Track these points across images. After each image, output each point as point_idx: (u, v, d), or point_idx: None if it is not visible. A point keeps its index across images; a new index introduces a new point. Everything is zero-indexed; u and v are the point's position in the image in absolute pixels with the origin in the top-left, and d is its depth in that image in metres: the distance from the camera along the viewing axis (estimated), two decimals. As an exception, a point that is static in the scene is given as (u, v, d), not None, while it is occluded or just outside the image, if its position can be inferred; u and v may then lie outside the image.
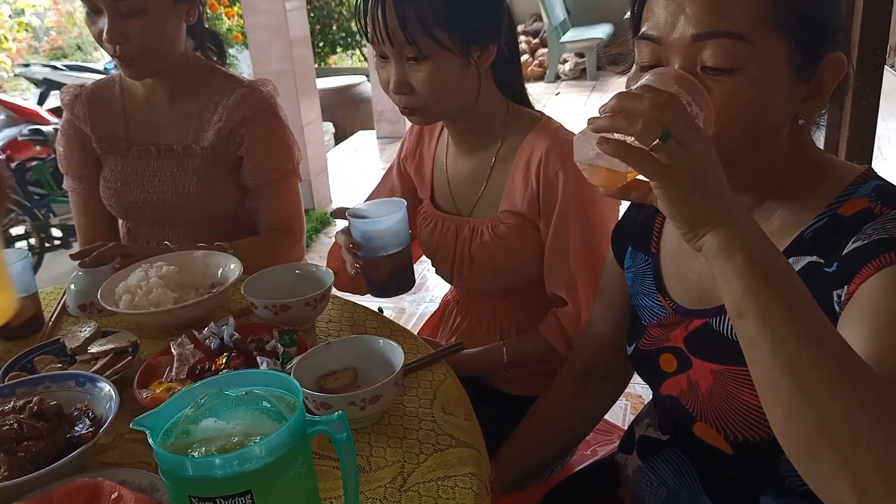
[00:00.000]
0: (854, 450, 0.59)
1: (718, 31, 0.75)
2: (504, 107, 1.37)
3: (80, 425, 0.95)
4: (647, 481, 1.03)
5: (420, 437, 0.95)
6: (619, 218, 1.16)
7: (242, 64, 6.65)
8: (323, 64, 9.10)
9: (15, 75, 9.61)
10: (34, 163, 4.96)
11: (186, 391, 0.77)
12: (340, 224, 1.32)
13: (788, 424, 0.63)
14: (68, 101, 1.72)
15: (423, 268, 4.12)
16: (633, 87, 0.71)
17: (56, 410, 0.95)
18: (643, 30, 0.81)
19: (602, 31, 8.36)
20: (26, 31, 10.07)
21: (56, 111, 6.11)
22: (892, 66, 2.46)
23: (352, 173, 5.85)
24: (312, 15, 8.21)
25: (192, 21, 1.62)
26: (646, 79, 0.76)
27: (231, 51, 6.04)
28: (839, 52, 0.79)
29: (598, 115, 0.70)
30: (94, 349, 1.16)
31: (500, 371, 1.42)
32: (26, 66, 7.76)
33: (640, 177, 0.71)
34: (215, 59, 1.76)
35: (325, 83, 6.64)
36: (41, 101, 6.50)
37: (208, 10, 5.85)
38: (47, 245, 4.81)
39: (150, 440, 0.70)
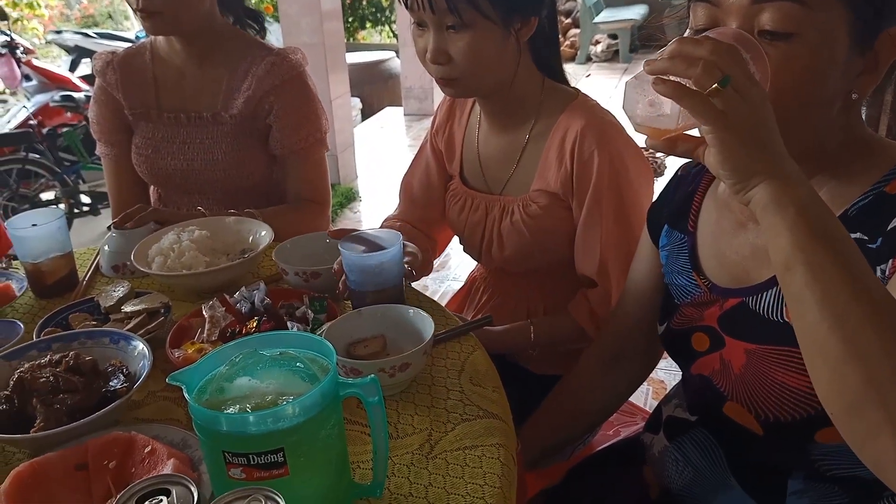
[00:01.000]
0: None
1: None
2: (540, 83, 1.35)
3: (115, 381, 0.96)
4: (673, 461, 1.03)
5: (448, 407, 0.96)
6: (655, 198, 1.15)
7: (272, 36, 6.66)
8: (352, 39, 9.08)
9: (47, 42, 9.70)
10: (65, 129, 5.00)
11: (221, 350, 0.78)
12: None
13: (834, 380, 0.63)
14: (100, 67, 1.73)
15: (448, 246, 4.12)
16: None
17: (91, 365, 0.97)
18: None
19: (636, 11, 8.25)
20: (59, -2, 10.16)
21: (87, 78, 6.17)
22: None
23: (378, 149, 5.86)
24: (343, -11, 8.18)
25: None
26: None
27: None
28: None
29: (656, 58, 0.69)
30: (127, 308, 1.18)
31: (526, 350, 1.42)
32: (58, 33, 7.83)
33: (690, 132, 0.71)
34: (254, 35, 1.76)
35: (353, 58, 6.62)
36: (72, 68, 6.56)
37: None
38: (76, 211, 4.87)
39: (185, 395, 0.71)
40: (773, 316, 0.85)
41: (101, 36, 7.59)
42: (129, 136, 1.73)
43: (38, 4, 9.20)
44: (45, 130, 4.96)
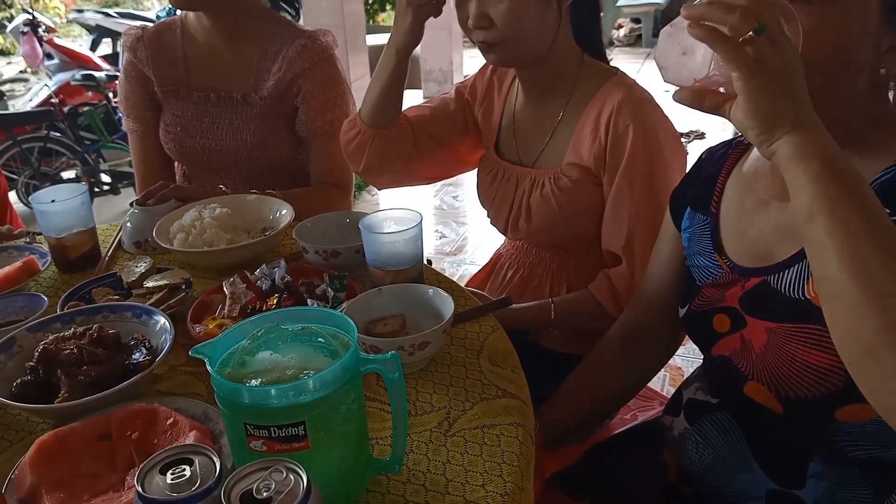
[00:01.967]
0: None
1: None
2: (578, 57, 1.35)
3: (137, 354, 0.97)
4: (693, 443, 1.02)
5: (466, 386, 0.96)
6: (679, 182, 1.14)
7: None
8: (372, 21, 9.05)
9: (68, 21, 9.75)
10: (86, 108, 5.03)
11: (244, 324, 0.78)
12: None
13: (851, 325, 0.64)
14: (130, 43, 1.73)
15: (465, 229, 4.12)
16: None
17: (114, 338, 0.98)
18: None
19: (660, -4, 8.17)
20: (81, -23, 10.20)
21: (108, 58, 6.21)
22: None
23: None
24: (363, -30, 8.14)
25: None
26: None
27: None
28: None
29: (695, 3, 0.70)
30: (149, 284, 1.19)
31: (546, 328, 1.42)
32: (80, 12, 7.87)
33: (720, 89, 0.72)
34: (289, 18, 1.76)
35: (373, 40, 6.59)
36: (93, 48, 6.61)
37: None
38: (97, 190, 4.91)
39: (208, 367, 0.71)
40: (794, 293, 0.85)
41: (122, 16, 7.62)
42: (157, 113, 1.74)
43: (60, -16, 9.25)
44: (66, 109, 4.99)
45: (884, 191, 0.78)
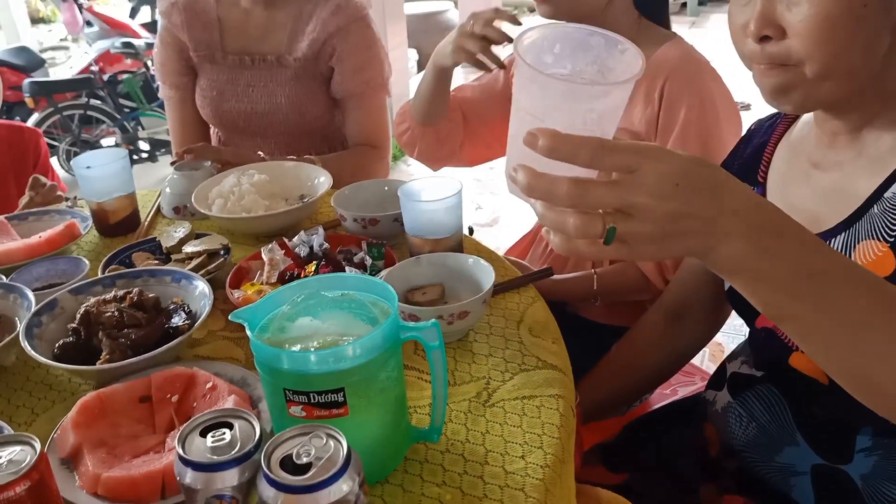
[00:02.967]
0: None
1: None
2: (635, 20, 1.31)
3: (177, 318, 0.97)
4: (736, 417, 1.00)
5: (506, 357, 0.94)
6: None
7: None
8: (409, -10, 8.95)
9: (108, -11, 9.80)
10: (125, 76, 5.07)
11: (284, 289, 0.77)
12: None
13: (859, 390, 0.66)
14: (165, 8, 1.73)
15: (500, 200, 4.09)
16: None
17: (154, 302, 0.98)
18: None
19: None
20: (120, -55, 10.22)
21: (147, 26, 6.23)
22: None
23: (432, 102, 5.81)
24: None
25: None
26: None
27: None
28: None
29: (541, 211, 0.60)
30: (187, 249, 1.19)
31: (588, 300, 1.40)
32: (119, -20, 7.91)
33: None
34: None
35: (410, 8, 6.53)
36: (133, 15, 6.64)
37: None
38: (135, 157, 4.97)
39: (248, 332, 0.71)
40: None
41: (161, -17, 7.64)
42: (192, 78, 1.74)
43: (100, -49, 9.29)
44: (105, 76, 5.04)
45: None
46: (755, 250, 0.58)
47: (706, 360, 2.38)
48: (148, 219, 1.41)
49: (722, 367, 1.08)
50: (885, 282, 0.63)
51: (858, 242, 0.80)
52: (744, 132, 1.10)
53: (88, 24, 5.87)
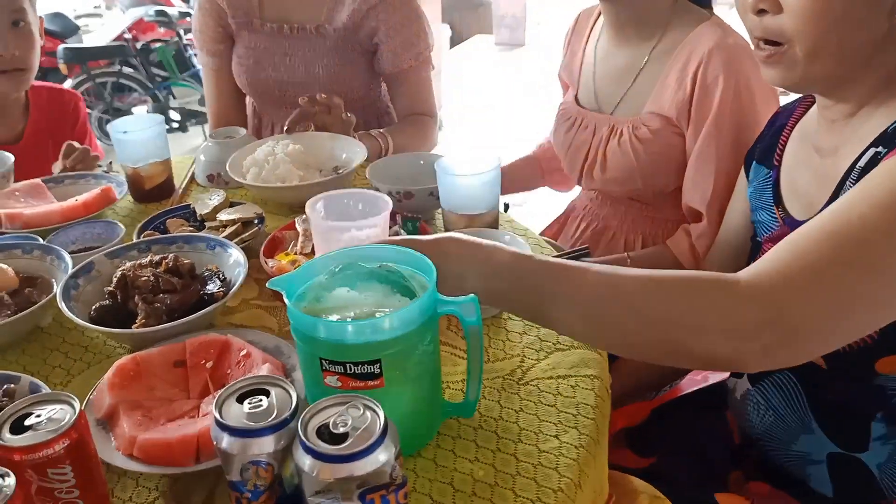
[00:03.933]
0: None
1: None
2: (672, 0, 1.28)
3: (211, 284, 0.97)
4: (754, 405, 1.00)
5: (541, 336, 0.93)
6: None
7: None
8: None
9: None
10: (158, 44, 5.09)
11: (321, 258, 0.77)
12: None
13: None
14: None
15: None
16: None
17: (189, 268, 0.99)
18: None
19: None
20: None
21: (181, -5, 6.23)
22: None
23: (464, 78, 5.75)
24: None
25: None
26: None
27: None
28: None
29: None
30: (222, 217, 1.19)
31: None
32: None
33: None
34: None
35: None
36: (167, -16, 6.64)
37: None
38: (166, 127, 4.99)
39: (285, 300, 0.70)
40: None
41: (195, -48, 7.63)
42: (230, 46, 1.73)
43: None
44: (138, 45, 5.06)
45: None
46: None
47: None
48: (182, 186, 1.42)
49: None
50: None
51: None
52: None
53: (123, -9, 5.89)
